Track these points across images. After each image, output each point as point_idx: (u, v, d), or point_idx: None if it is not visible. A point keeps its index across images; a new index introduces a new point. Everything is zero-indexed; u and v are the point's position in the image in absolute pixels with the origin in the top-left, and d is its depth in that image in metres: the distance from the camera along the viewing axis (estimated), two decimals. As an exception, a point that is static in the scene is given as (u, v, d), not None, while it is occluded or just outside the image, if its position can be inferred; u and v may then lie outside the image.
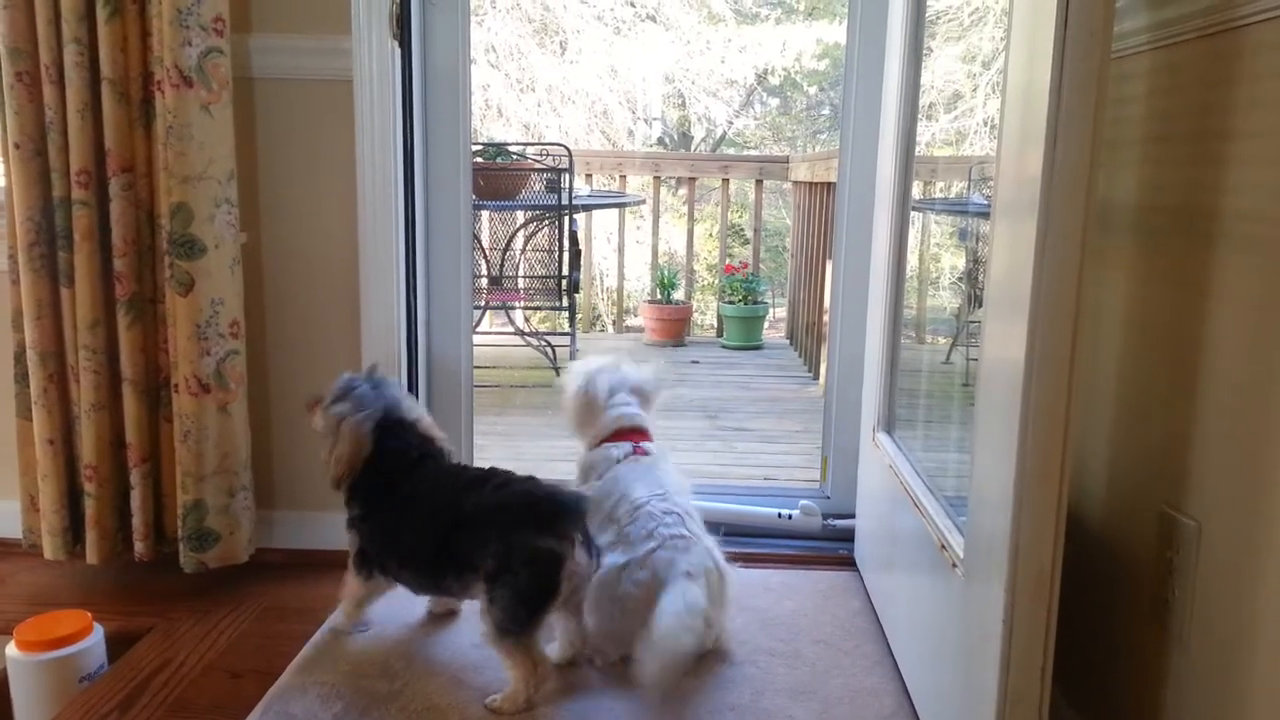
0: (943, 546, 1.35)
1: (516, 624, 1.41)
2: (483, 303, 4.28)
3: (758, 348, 5.34)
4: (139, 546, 1.86)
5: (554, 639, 1.57)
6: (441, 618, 1.75)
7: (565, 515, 1.44)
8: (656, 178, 5.98)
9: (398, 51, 1.91)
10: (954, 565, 1.29)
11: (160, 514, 1.90)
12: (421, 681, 1.54)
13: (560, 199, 4.07)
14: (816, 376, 4.48)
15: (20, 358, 1.86)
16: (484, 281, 4.22)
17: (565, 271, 4.18)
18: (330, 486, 1.61)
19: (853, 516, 2.11)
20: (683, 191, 6.71)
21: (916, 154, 1.82)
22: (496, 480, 1.52)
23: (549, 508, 1.44)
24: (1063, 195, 1.01)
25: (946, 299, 2.90)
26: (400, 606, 1.71)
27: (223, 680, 1.58)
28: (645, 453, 1.75)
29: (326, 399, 1.63)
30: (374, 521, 1.60)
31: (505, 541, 1.42)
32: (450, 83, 2.03)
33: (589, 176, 5.70)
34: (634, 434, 1.79)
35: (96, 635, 1.64)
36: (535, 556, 1.41)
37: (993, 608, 1.11)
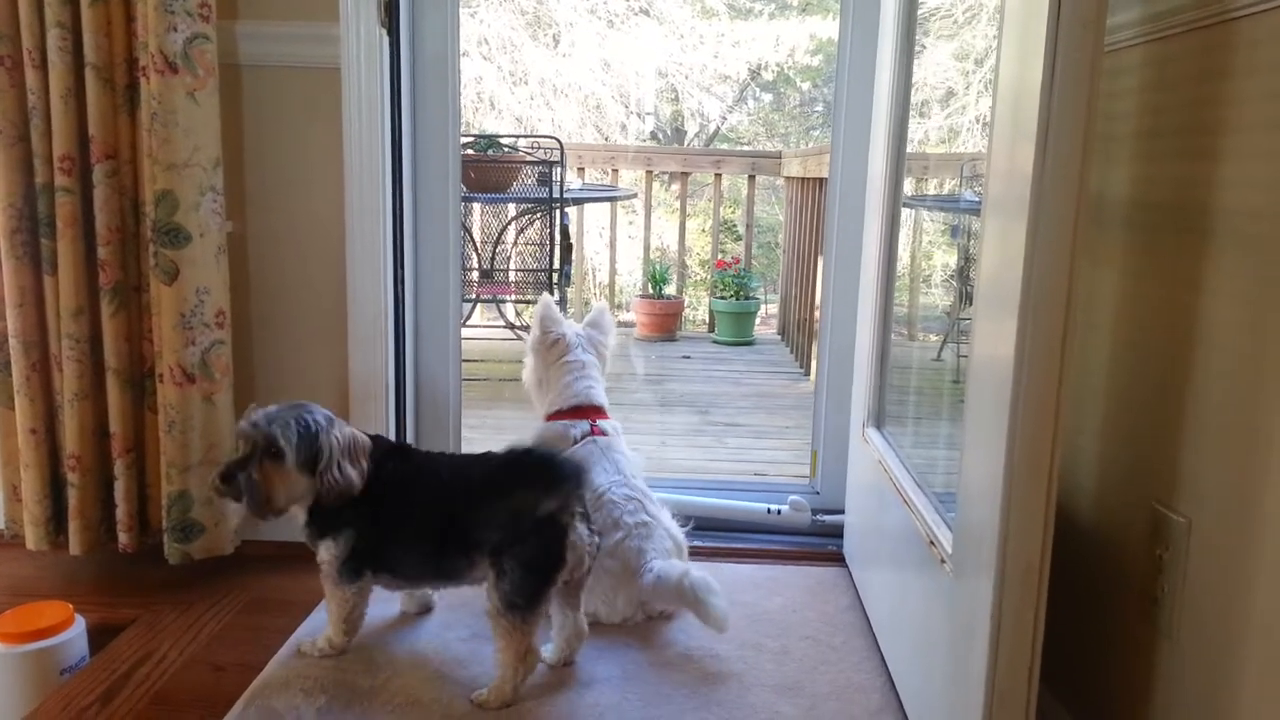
0: (931, 542, 1.35)
1: (523, 597, 1.41)
2: (473, 295, 4.26)
3: (749, 343, 5.34)
4: (123, 537, 1.85)
5: (549, 639, 1.57)
6: (418, 614, 1.73)
7: (564, 478, 1.44)
8: (649, 172, 5.96)
9: (386, 40, 1.89)
10: (942, 561, 1.29)
11: (144, 505, 1.89)
12: (404, 676, 1.53)
13: (552, 192, 4.06)
14: (807, 372, 4.48)
15: (2, 346, 1.84)
16: (475, 274, 4.21)
17: (556, 265, 4.17)
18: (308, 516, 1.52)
19: (842, 512, 2.10)
20: (675, 186, 6.68)
21: (908, 150, 1.81)
22: (496, 456, 1.50)
23: (549, 469, 1.43)
24: (1054, 191, 1.00)
25: (938, 296, 2.90)
26: (381, 600, 1.70)
27: (205, 673, 1.56)
28: (602, 432, 1.81)
29: (286, 442, 1.45)
30: (362, 514, 1.52)
31: (509, 510, 1.42)
32: (440, 73, 2.02)
33: (581, 170, 5.68)
34: (592, 411, 1.84)
35: (78, 627, 1.63)
36: (539, 526, 1.42)
37: (981, 604, 1.11)
